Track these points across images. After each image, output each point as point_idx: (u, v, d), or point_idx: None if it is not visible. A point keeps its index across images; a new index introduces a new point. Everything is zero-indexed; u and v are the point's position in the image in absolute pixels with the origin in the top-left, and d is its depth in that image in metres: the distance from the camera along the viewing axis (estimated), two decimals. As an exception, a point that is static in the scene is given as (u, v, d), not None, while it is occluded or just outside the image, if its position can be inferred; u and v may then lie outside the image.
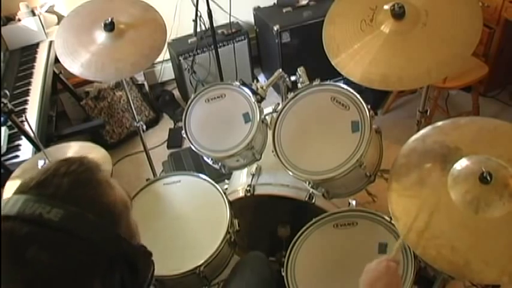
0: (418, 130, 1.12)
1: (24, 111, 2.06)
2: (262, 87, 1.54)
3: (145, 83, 3.08)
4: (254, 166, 1.59)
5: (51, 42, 2.57)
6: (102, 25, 1.53)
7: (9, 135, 1.89)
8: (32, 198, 0.58)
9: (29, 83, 2.27)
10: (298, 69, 1.60)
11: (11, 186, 1.46)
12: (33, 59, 2.47)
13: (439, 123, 1.11)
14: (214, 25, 2.46)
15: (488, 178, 0.91)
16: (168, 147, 2.81)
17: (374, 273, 0.93)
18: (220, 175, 1.68)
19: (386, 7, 1.26)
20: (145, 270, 0.66)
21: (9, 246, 0.55)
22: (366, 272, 0.95)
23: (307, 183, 1.31)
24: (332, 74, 1.37)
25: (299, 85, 1.56)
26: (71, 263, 0.57)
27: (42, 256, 0.55)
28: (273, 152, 1.32)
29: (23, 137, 1.80)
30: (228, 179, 1.80)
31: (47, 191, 0.59)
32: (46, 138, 2.07)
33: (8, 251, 0.55)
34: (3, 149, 1.82)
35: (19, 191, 0.60)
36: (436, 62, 1.19)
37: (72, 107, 2.90)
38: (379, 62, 1.24)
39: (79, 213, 0.58)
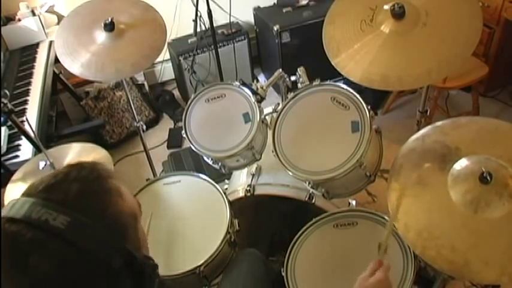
0: (418, 130, 1.12)
1: (24, 111, 2.06)
2: (262, 87, 1.54)
3: (145, 83, 3.09)
4: (254, 166, 1.59)
5: (51, 42, 2.57)
6: (102, 25, 1.53)
7: (9, 135, 1.89)
8: (39, 202, 0.56)
9: (29, 83, 2.27)
10: (298, 69, 1.60)
11: (13, 189, 1.46)
12: (33, 59, 2.47)
13: (439, 123, 1.11)
14: (214, 25, 2.46)
15: (488, 178, 0.91)
16: (168, 147, 2.81)
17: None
18: (220, 175, 1.68)
19: (386, 7, 1.26)
20: (150, 282, 0.64)
21: (12, 249, 0.54)
22: (360, 285, 0.95)
23: (307, 183, 1.31)
24: (332, 74, 1.37)
25: (299, 85, 1.56)
26: (71, 274, 0.55)
27: (43, 265, 0.54)
28: (273, 152, 1.32)
29: (23, 137, 1.80)
30: (228, 179, 1.80)
31: (55, 196, 0.57)
32: (46, 138, 2.07)
33: (10, 254, 0.54)
34: (3, 149, 1.82)
35: (27, 193, 0.59)
36: (436, 62, 1.19)
37: (72, 107, 2.91)
38: (379, 62, 1.24)
39: (85, 222, 0.57)
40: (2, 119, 1.50)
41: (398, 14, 1.24)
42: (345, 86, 1.34)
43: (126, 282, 0.60)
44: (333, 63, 1.31)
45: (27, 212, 0.55)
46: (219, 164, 1.50)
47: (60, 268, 0.55)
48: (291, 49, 2.82)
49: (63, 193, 0.58)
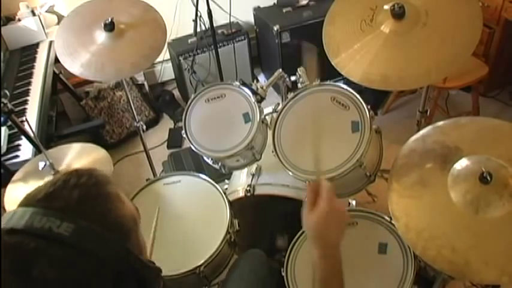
0: (418, 130, 1.12)
1: (24, 111, 2.06)
2: (262, 87, 1.54)
3: (145, 83, 3.08)
4: (254, 166, 1.59)
5: (51, 42, 2.57)
6: (102, 25, 1.53)
7: (9, 135, 1.89)
8: (40, 211, 0.55)
9: (29, 83, 2.27)
10: (298, 69, 1.60)
11: (13, 189, 1.46)
12: (33, 59, 2.47)
13: (439, 123, 1.11)
14: (214, 25, 2.46)
15: (488, 178, 0.91)
16: (168, 147, 2.81)
17: (319, 225, 0.82)
18: (220, 175, 1.68)
19: (386, 7, 1.26)
20: (155, 286, 0.64)
21: (15, 261, 0.53)
22: (308, 224, 0.82)
23: (307, 183, 1.31)
24: (332, 74, 1.37)
25: (299, 85, 1.56)
26: (80, 280, 0.55)
27: (50, 273, 0.53)
28: (273, 152, 1.32)
29: (23, 137, 1.80)
30: (228, 179, 1.80)
31: (56, 204, 0.57)
32: (46, 138, 2.07)
33: (14, 266, 0.53)
34: (3, 149, 1.82)
35: (25, 203, 0.58)
36: (436, 62, 1.19)
37: (72, 107, 2.90)
38: (379, 62, 1.24)
39: (90, 227, 0.56)
40: (2, 119, 1.50)
41: (398, 14, 1.24)
42: (345, 86, 1.34)
43: (132, 284, 0.59)
44: (333, 63, 1.31)
45: (28, 221, 0.54)
46: (219, 164, 1.50)
47: (68, 275, 0.54)
48: (291, 49, 2.82)
49: (64, 200, 0.57)
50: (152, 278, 0.63)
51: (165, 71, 3.27)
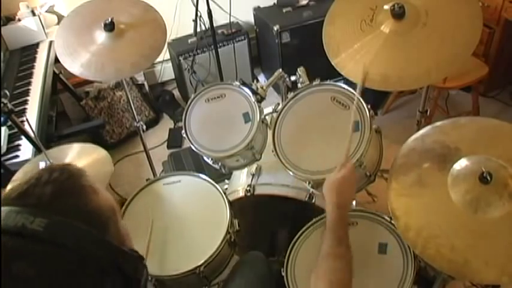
0: (418, 130, 1.12)
1: (24, 111, 2.06)
2: (262, 87, 1.54)
3: (145, 83, 3.09)
4: (254, 166, 1.59)
5: (51, 42, 2.57)
6: (102, 25, 1.53)
7: (9, 135, 1.89)
8: (14, 209, 0.55)
9: (29, 83, 2.27)
10: (298, 69, 1.60)
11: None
12: (33, 59, 2.47)
13: (439, 123, 1.11)
14: (214, 25, 2.46)
15: (488, 178, 0.91)
16: (168, 147, 2.81)
17: (341, 180, 1.07)
18: (220, 175, 1.68)
19: (386, 7, 1.26)
20: (138, 275, 0.63)
21: None
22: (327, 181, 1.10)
23: (307, 183, 1.31)
24: (332, 74, 1.37)
25: (299, 85, 1.56)
26: (60, 276, 0.54)
27: (30, 271, 0.52)
28: (273, 152, 1.32)
29: (23, 137, 1.80)
30: (228, 179, 1.80)
31: (29, 201, 0.56)
32: (46, 138, 2.07)
33: None
34: (3, 149, 1.82)
35: (1, 203, 0.57)
36: (436, 62, 1.19)
37: (72, 107, 2.91)
38: (379, 62, 1.24)
39: (64, 221, 0.55)
40: (2, 119, 1.50)
41: (398, 14, 1.24)
42: (345, 86, 1.34)
43: (115, 275, 0.59)
44: (333, 63, 1.31)
45: (3, 220, 0.54)
46: (219, 164, 1.50)
47: (47, 272, 0.53)
48: (291, 49, 2.82)
49: (37, 197, 0.57)
50: (135, 267, 0.63)
51: (165, 71, 3.27)
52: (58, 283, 0.54)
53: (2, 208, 0.55)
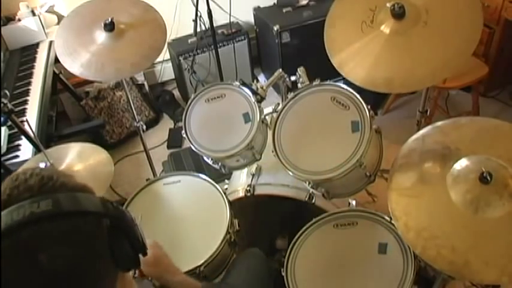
0: (418, 130, 1.12)
1: (24, 111, 2.06)
2: (262, 87, 1.54)
3: (145, 83, 3.09)
4: (254, 166, 1.59)
5: (51, 42, 2.57)
6: (102, 25, 1.53)
7: (9, 135, 1.89)
8: (12, 208, 0.54)
9: (29, 83, 2.27)
10: (298, 69, 1.60)
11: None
12: (33, 59, 2.47)
13: (439, 123, 1.11)
14: (214, 25, 2.46)
15: (488, 178, 0.91)
16: (168, 147, 2.81)
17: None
18: (220, 175, 1.68)
19: (387, 5, 1.26)
20: (135, 231, 0.65)
21: (20, 262, 0.52)
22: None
23: (307, 183, 1.31)
24: (332, 74, 1.37)
25: (299, 85, 1.56)
26: (90, 241, 0.57)
27: (56, 251, 0.53)
28: (273, 152, 1.32)
29: (23, 137, 1.79)
30: (228, 179, 1.80)
31: (22, 196, 0.56)
32: (46, 138, 2.07)
33: (21, 266, 0.52)
34: (3, 149, 1.82)
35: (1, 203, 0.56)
36: (438, 63, 1.19)
37: (72, 107, 2.91)
38: (380, 64, 1.24)
39: (64, 195, 0.57)
40: (2, 119, 1.50)
41: (398, 13, 1.23)
42: (345, 86, 1.34)
43: (120, 237, 0.61)
44: (333, 63, 1.31)
45: (7, 221, 0.53)
46: (219, 164, 1.50)
47: (71, 244, 0.55)
48: (291, 49, 2.82)
49: (28, 191, 0.57)
50: (130, 222, 0.64)
51: (165, 71, 3.27)
52: (90, 249, 0.57)
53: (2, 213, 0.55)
